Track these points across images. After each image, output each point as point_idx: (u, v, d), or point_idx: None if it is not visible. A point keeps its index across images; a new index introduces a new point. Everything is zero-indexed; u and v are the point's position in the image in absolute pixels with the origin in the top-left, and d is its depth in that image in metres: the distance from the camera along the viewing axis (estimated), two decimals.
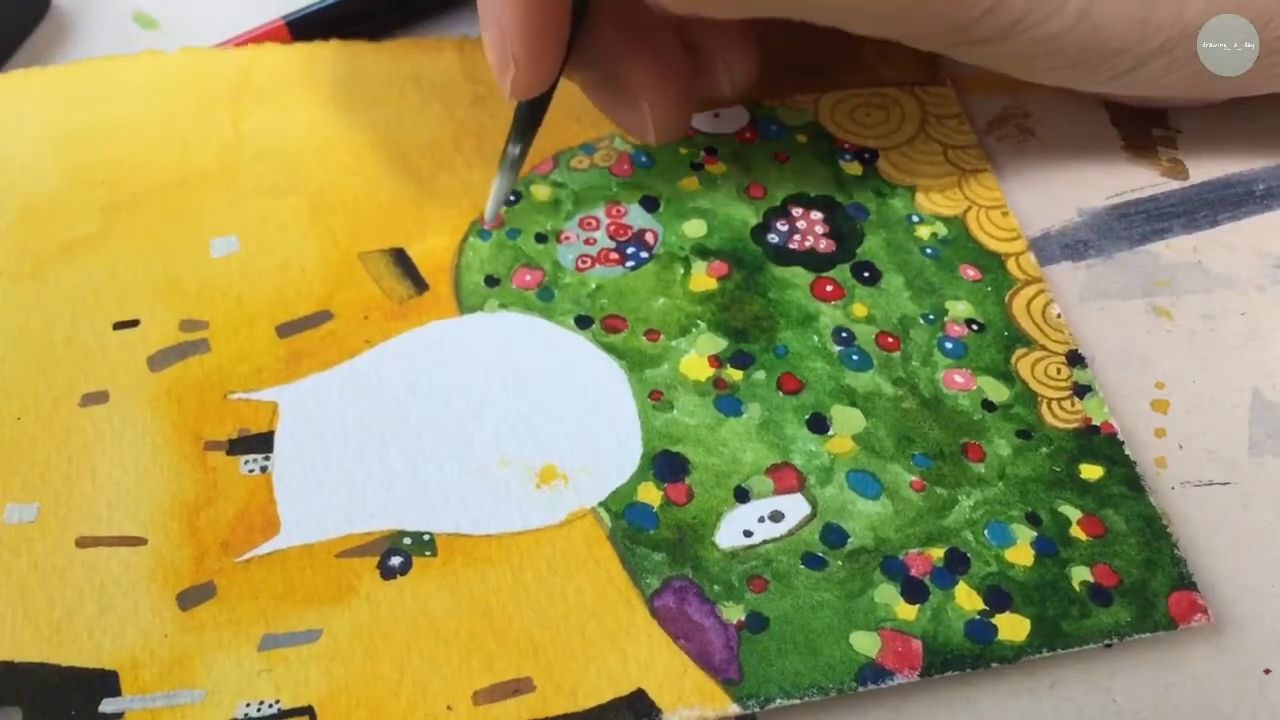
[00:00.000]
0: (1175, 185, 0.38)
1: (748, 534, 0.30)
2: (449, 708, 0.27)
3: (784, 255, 0.35)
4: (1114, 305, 0.35)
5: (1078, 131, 0.39)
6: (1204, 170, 0.38)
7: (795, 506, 0.30)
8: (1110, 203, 0.38)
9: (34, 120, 0.37)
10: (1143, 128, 0.39)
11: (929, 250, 0.35)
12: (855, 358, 0.33)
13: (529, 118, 0.34)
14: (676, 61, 0.34)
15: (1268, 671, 0.29)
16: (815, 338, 0.33)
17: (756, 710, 0.27)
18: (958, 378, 0.33)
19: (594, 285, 0.34)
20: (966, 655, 0.28)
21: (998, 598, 0.29)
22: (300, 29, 0.40)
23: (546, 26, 0.30)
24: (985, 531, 0.30)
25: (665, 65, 0.34)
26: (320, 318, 0.33)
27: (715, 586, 0.29)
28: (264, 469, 0.31)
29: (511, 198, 0.36)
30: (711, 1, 0.29)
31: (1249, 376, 0.34)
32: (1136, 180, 0.38)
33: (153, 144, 0.37)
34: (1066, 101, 0.40)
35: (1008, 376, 0.33)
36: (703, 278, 0.34)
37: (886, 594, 0.29)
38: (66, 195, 0.35)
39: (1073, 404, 0.32)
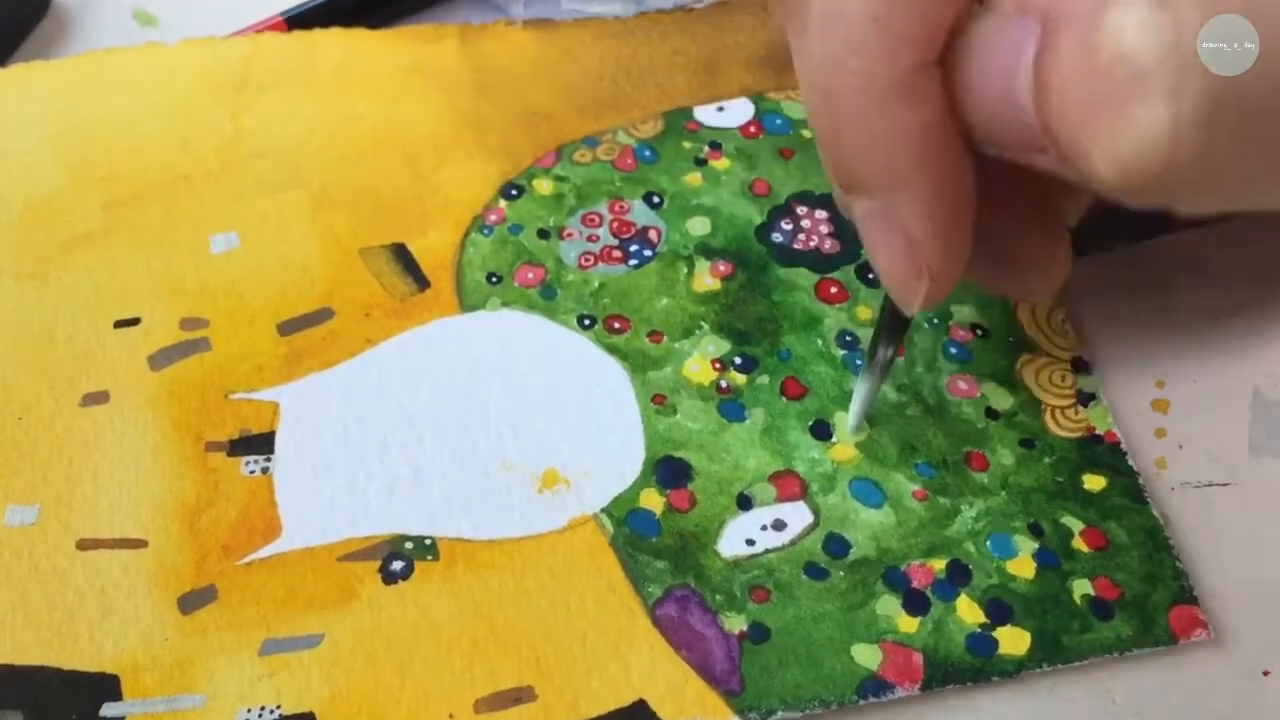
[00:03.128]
0: None
1: (750, 542, 0.30)
2: (450, 716, 0.27)
3: (788, 255, 0.35)
4: (1115, 303, 0.35)
5: None
6: None
7: (798, 515, 0.30)
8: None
9: (35, 116, 0.37)
10: None
11: None
12: (859, 362, 0.33)
13: (902, 315, 0.29)
14: (1051, 209, 0.30)
15: (1266, 673, 0.29)
16: (819, 341, 0.33)
17: None
18: (962, 384, 0.33)
19: (597, 284, 0.34)
20: (967, 668, 0.28)
21: (999, 610, 0.29)
22: (299, 25, 0.40)
23: (963, 224, 0.26)
24: (987, 543, 0.30)
25: (1044, 219, 0.30)
26: (321, 315, 0.33)
27: (717, 596, 0.29)
28: (265, 470, 0.30)
29: (514, 192, 0.36)
30: (1194, 197, 0.23)
31: (1249, 376, 0.34)
32: None
33: (153, 139, 0.36)
34: None
35: (1012, 383, 0.33)
36: (706, 278, 0.34)
37: (888, 606, 0.29)
38: (67, 193, 0.35)
39: (1076, 412, 0.32)
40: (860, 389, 0.31)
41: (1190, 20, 0.19)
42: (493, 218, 0.35)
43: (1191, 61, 0.19)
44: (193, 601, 0.29)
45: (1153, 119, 0.20)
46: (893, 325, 0.30)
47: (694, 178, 0.37)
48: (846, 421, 0.32)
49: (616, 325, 0.33)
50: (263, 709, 0.27)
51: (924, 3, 0.23)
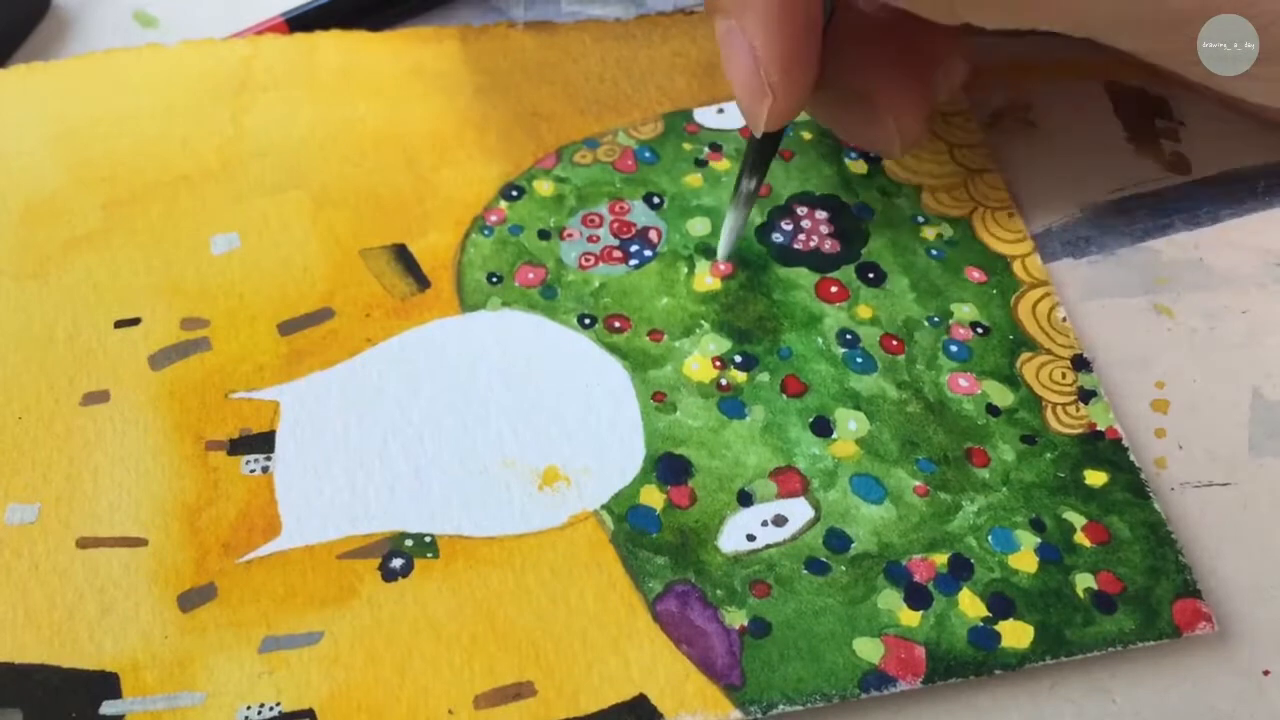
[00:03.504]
0: (1177, 180, 0.38)
1: (751, 538, 0.30)
2: (450, 712, 0.27)
3: (789, 255, 0.35)
4: (1115, 303, 0.35)
5: (1080, 123, 0.39)
6: (1206, 164, 0.38)
7: (798, 510, 0.30)
8: (1112, 197, 0.37)
9: (36, 116, 0.37)
10: (1146, 118, 0.39)
11: (934, 251, 0.35)
12: (859, 360, 0.33)
13: (766, 148, 0.32)
14: (916, 68, 0.32)
15: (1267, 673, 0.29)
16: (819, 340, 0.33)
17: (759, 716, 0.27)
18: (962, 381, 0.33)
19: (597, 284, 0.34)
20: (970, 662, 0.28)
21: (1001, 604, 0.29)
22: (300, 26, 0.40)
23: (804, 47, 0.29)
24: (989, 537, 0.30)
25: (905, 73, 0.32)
26: (322, 315, 0.33)
27: (718, 591, 0.29)
28: (265, 469, 0.30)
29: (514, 193, 0.36)
30: (993, 11, 0.27)
31: (1249, 376, 0.34)
32: (1139, 174, 0.38)
33: (154, 140, 0.36)
34: (1069, 93, 0.40)
35: (1013, 380, 0.33)
36: (706, 277, 0.34)
37: (890, 600, 0.29)
38: (68, 193, 0.35)
39: (1078, 409, 0.32)
40: (728, 220, 0.34)
41: None
42: (493, 218, 0.35)
43: None
44: (192, 599, 0.28)
45: None
46: (756, 158, 0.32)
47: (694, 179, 0.37)
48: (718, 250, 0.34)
49: (617, 324, 0.33)
50: (262, 706, 0.27)
51: None
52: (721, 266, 0.34)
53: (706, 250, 0.35)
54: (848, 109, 0.33)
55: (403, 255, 0.35)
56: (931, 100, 0.33)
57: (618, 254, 0.35)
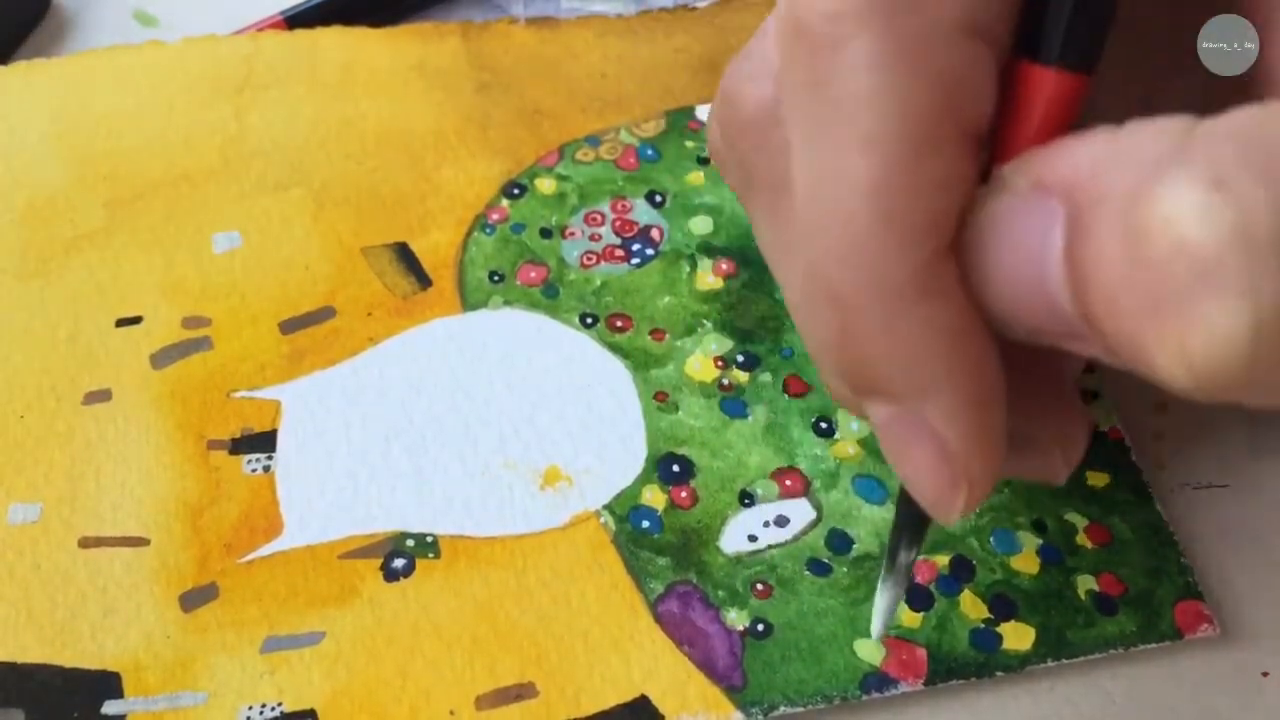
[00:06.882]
0: None
1: (752, 539, 0.30)
2: (451, 712, 0.27)
3: None
4: None
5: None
6: None
7: (800, 511, 0.30)
8: None
9: (38, 114, 0.37)
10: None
11: None
12: None
13: (924, 517, 0.26)
14: (1077, 403, 0.27)
15: (1266, 674, 0.29)
16: None
17: (760, 717, 0.27)
18: None
19: (599, 283, 0.34)
20: (971, 664, 0.28)
21: (1003, 606, 0.29)
22: (300, 25, 0.40)
23: (1000, 425, 0.23)
24: (991, 539, 0.30)
25: (1058, 395, 0.27)
26: (323, 314, 0.33)
27: (719, 592, 0.29)
28: (267, 469, 0.30)
29: (516, 191, 0.36)
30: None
31: None
32: None
33: (156, 138, 0.36)
34: None
35: None
36: (709, 276, 0.34)
37: None
38: (70, 191, 0.35)
39: None
40: (883, 598, 0.27)
41: (1254, 200, 0.16)
42: (495, 217, 0.35)
43: (1265, 249, 0.16)
44: (194, 599, 0.28)
45: (1229, 318, 0.17)
46: (913, 527, 0.26)
47: (696, 177, 0.36)
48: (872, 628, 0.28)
49: (619, 324, 0.33)
50: (264, 706, 0.27)
51: (933, 188, 0.20)
52: (877, 631, 0.28)
53: (709, 249, 0.35)
54: (1017, 453, 0.26)
55: (404, 254, 0.34)
56: (1084, 405, 0.28)
57: (620, 253, 0.35)
